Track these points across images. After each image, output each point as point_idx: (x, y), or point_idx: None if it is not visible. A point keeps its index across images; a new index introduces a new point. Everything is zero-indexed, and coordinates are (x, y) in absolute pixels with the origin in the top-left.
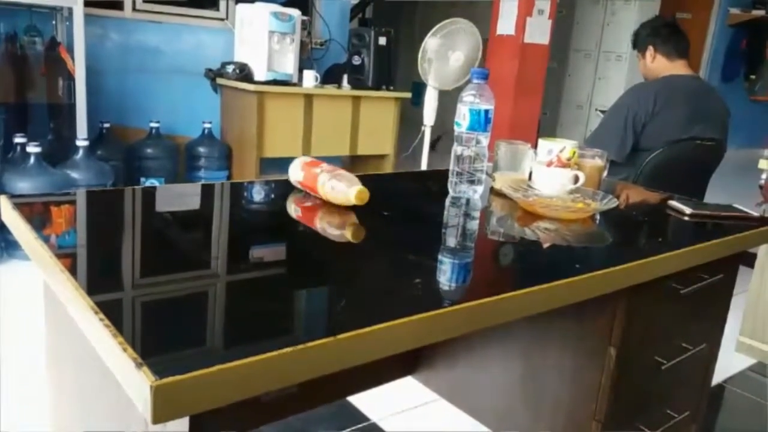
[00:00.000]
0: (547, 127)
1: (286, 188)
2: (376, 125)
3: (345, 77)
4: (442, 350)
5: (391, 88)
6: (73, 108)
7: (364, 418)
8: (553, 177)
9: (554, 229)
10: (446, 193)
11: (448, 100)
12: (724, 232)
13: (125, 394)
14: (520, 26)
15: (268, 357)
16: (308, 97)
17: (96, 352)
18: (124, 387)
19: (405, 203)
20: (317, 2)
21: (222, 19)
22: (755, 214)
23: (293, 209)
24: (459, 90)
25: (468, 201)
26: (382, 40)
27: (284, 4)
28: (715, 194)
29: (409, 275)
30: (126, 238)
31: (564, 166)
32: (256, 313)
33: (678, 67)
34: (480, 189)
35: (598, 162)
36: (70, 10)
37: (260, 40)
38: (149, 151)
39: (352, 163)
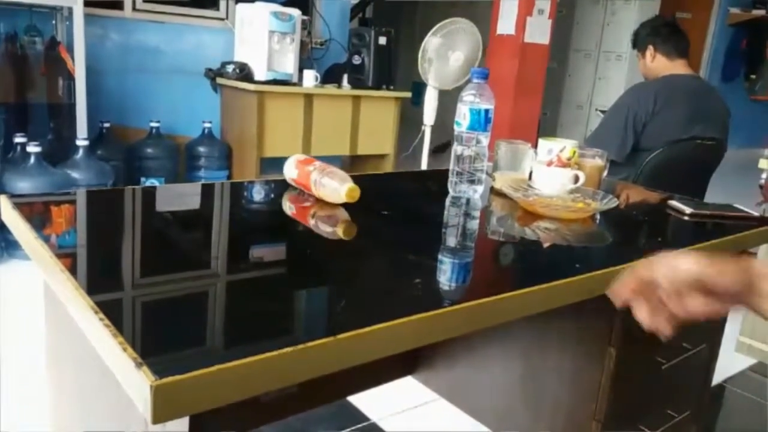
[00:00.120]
0: (548, 127)
1: (284, 187)
2: (376, 125)
3: (345, 77)
4: (442, 350)
5: (391, 87)
6: (73, 108)
7: (364, 418)
8: (553, 177)
9: (554, 228)
10: (446, 192)
11: (448, 99)
12: (724, 232)
13: (125, 394)
14: (520, 26)
15: (267, 357)
16: (308, 97)
17: (96, 351)
18: (124, 387)
19: (405, 203)
20: (317, 2)
21: (222, 19)
22: (755, 214)
23: (288, 207)
24: (459, 90)
25: (468, 201)
26: (383, 40)
27: (284, 4)
28: (715, 194)
29: (409, 275)
30: (126, 238)
31: (564, 165)
32: (256, 312)
33: (678, 67)
34: (480, 189)
35: (598, 162)
36: (70, 9)
37: (260, 40)
38: (149, 150)
39: (352, 162)
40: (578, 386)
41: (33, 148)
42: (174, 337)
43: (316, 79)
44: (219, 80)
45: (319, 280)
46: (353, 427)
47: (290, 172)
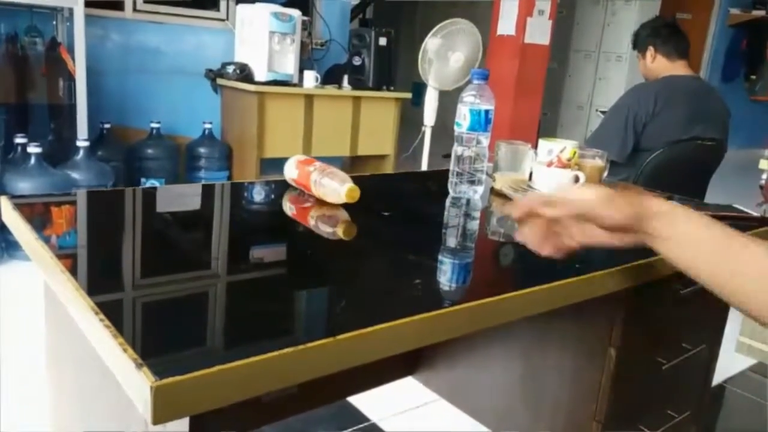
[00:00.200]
0: (548, 127)
1: (284, 188)
2: (377, 126)
3: (345, 78)
4: (443, 350)
5: (392, 88)
6: (73, 108)
7: (365, 419)
8: (553, 177)
9: None
10: (446, 193)
11: (449, 100)
12: None
13: (125, 395)
14: (521, 27)
15: (268, 357)
16: (309, 98)
17: (96, 352)
18: (125, 387)
19: (405, 203)
20: (317, 3)
21: (222, 20)
22: (755, 214)
23: (288, 208)
24: (459, 90)
25: (468, 201)
26: (383, 41)
27: (284, 5)
28: (715, 194)
29: (409, 275)
30: (126, 238)
31: (564, 166)
32: (256, 313)
33: (678, 68)
34: (480, 189)
35: (599, 162)
36: (71, 10)
37: (261, 41)
38: (150, 151)
39: (353, 163)
40: (578, 386)
41: (33, 149)
42: (174, 338)
43: (317, 79)
44: (219, 81)
45: (320, 281)
46: (354, 428)
47: (290, 172)
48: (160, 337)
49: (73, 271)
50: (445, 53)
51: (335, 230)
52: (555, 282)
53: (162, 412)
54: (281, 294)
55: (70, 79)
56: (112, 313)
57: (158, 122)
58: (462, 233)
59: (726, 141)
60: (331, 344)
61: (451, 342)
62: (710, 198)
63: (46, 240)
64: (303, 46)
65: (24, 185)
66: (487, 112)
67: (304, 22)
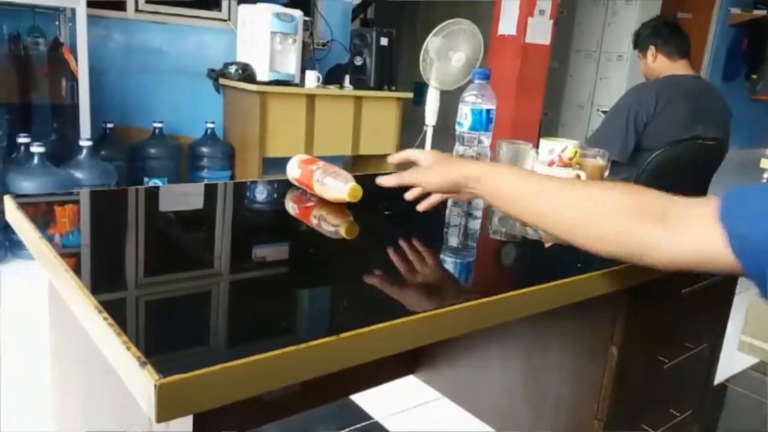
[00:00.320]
0: (549, 127)
1: (287, 187)
2: (378, 125)
3: (347, 77)
4: (444, 349)
5: (393, 88)
6: (76, 108)
7: (367, 417)
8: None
9: None
10: None
11: (450, 100)
12: None
13: (129, 393)
14: (522, 26)
15: (271, 356)
16: (310, 98)
17: (100, 350)
18: (128, 386)
19: (407, 202)
20: (319, 3)
21: (224, 20)
22: None
23: (291, 207)
24: (460, 90)
25: (470, 200)
26: (384, 41)
27: (286, 5)
28: (716, 194)
29: (411, 274)
30: (129, 237)
31: (566, 165)
32: (259, 312)
33: (679, 67)
34: None
35: (600, 162)
36: (73, 10)
37: (262, 41)
38: (152, 151)
39: (354, 163)
40: (580, 385)
41: (36, 149)
42: (178, 336)
43: (318, 79)
44: (221, 81)
45: (322, 280)
46: (356, 426)
47: (293, 171)
48: (163, 336)
49: (76, 269)
50: (446, 53)
51: (338, 229)
52: (556, 281)
53: (166, 410)
54: (284, 293)
55: (73, 79)
56: (115, 311)
57: (161, 122)
58: (464, 232)
59: (727, 140)
60: (334, 343)
61: (452, 341)
62: None
63: (50, 239)
64: (305, 46)
65: (27, 185)
66: (488, 111)
67: (305, 22)
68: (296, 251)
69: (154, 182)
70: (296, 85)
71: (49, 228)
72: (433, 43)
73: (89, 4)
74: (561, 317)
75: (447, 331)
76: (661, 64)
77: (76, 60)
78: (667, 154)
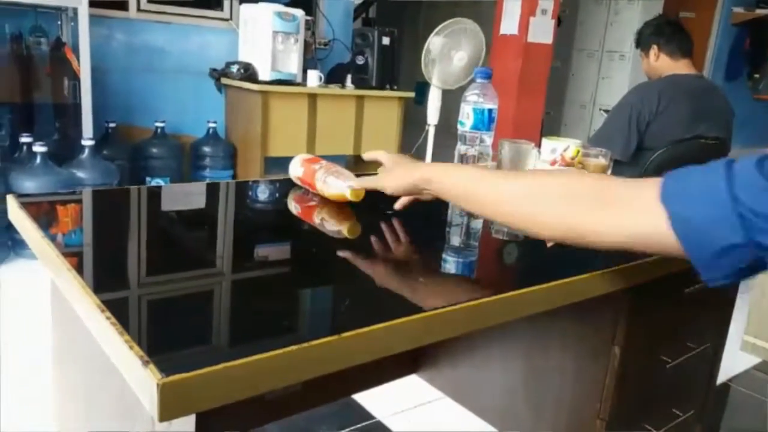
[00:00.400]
0: (551, 126)
1: (289, 186)
2: (380, 125)
3: (349, 77)
4: (446, 348)
5: (395, 87)
6: (78, 108)
7: (369, 416)
8: None
9: None
10: None
11: (452, 99)
12: None
13: (131, 392)
14: (524, 26)
15: (273, 355)
16: (312, 97)
17: (102, 350)
18: (131, 385)
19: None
20: (321, 2)
21: (226, 20)
22: None
23: (293, 206)
24: (462, 89)
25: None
26: (386, 40)
27: (288, 5)
28: None
29: (413, 273)
30: (132, 237)
31: (568, 165)
32: (261, 311)
33: (681, 66)
34: None
35: (602, 161)
36: (75, 10)
37: (264, 40)
38: (154, 150)
39: (356, 162)
40: (582, 385)
41: (39, 148)
42: (180, 336)
43: (320, 79)
44: (223, 80)
45: (324, 279)
46: (357, 426)
47: (296, 170)
48: (166, 335)
49: (79, 269)
50: (448, 52)
51: (340, 229)
52: (558, 281)
53: (168, 409)
54: (286, 292)
55: (75, 78)
56: (118, 310)
57: (163, 121)
58: (465, 232)
59: (729, 139)
60: (336, 342)
61: (454, 340)
62: None
63: (53, 238)
64: (306, 45)
65: (30, 184)
66: (490, 111)
67: (307, 22)
68: (298, 250)
69: (156, 182)
70: (298, 84)
71: (52, 227)
72: (434, 42)
73: (91, 4)
74: (563, 317)
75: (449, 330)
76: (664, 64)
77: (78, 59)
78: (669, 154)
